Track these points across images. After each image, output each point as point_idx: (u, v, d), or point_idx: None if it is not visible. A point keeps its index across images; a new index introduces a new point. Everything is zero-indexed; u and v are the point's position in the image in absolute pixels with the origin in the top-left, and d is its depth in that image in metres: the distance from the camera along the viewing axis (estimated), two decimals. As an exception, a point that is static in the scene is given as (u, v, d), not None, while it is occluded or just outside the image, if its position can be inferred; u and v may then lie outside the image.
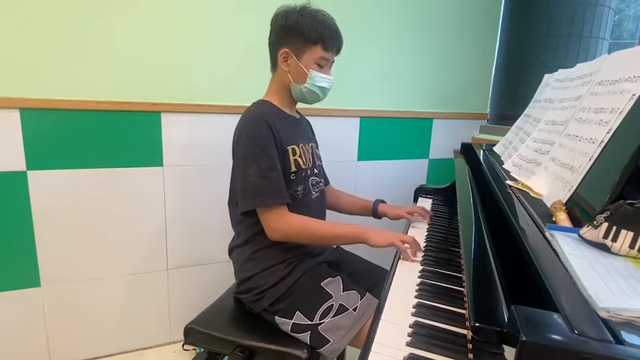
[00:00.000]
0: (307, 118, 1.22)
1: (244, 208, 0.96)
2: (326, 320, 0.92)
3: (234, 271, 1.09)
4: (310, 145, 1.11)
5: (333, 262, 1.13)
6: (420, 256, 0.95)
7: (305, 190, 1.05)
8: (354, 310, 0.93)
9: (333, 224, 1.01)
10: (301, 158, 1.04)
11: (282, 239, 0.98)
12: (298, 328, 0.94)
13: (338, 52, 1.06)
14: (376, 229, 0.98)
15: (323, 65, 1.03)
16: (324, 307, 0.94)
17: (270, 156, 0.95)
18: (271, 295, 0.98)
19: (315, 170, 1.11)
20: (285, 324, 0.96)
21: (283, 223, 0.96)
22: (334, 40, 1.02)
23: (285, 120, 1.06)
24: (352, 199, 1.32)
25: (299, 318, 0.94)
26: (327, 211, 1.22)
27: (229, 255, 1.12)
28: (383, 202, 1.28)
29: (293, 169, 1.01)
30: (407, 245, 0.94)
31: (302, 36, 0.98)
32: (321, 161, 1.19)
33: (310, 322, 0.93)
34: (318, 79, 1.02)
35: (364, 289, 1.00)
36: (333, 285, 0.98)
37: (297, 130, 1.09)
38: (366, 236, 0.96)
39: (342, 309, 0.93)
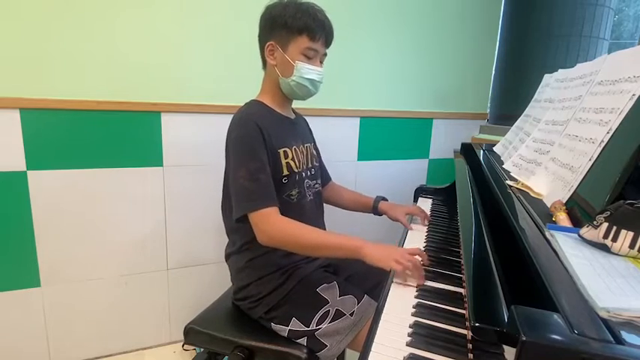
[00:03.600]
0: (307, 118, 1.22)
1: (238, 214, 0.92)
2: (322, 326, 0.91)
3: (231, 278, 1.08)
4: (306, 145, 1.09)
5: (331, 265, 1.12)
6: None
7: (300, 194, 1.03)
8: (351, 315, 0.92)
9: (328, 234, 0.95)
10: (294, 161, 1.01)
11: (271, 244, 0.92)
12: (295, 334, 0.93)
13: (328, 43, 1.01)
14: (377, 243, 0.87)
15: (311, 57, 0.98)
16: (320, 313, 0.93)
17: (258, 158, 0.92)
18: (267, 303, 0.97)
19: (311, 172, 1.09)
20: (281, 330, 0.95)
21: (273, 227, 0.90)
22: (320, 29, 0.96)
23: (277, 121, 1.03)
24: (354, 196, 1.30)
25: (295, 324, 0.93)
26: (327, 207, 1.21)
27: (226, 261, 1.10)
28: (384, 199, 1.26)
29: (285, 172, 0.98)
30: (408, 272, 0.82)
31: (285, 26, 0.95)
32: (319, 161, 1.17)
33: (307, 329, 0.92)
34: (305, 70, 0.97)
35: (363, 291, 0.99)
36: (329, 291, 0.97)
37: (290, 130, 1.05)
38: (363, 252, 0.85)
39: (338, 314, 0.92)
